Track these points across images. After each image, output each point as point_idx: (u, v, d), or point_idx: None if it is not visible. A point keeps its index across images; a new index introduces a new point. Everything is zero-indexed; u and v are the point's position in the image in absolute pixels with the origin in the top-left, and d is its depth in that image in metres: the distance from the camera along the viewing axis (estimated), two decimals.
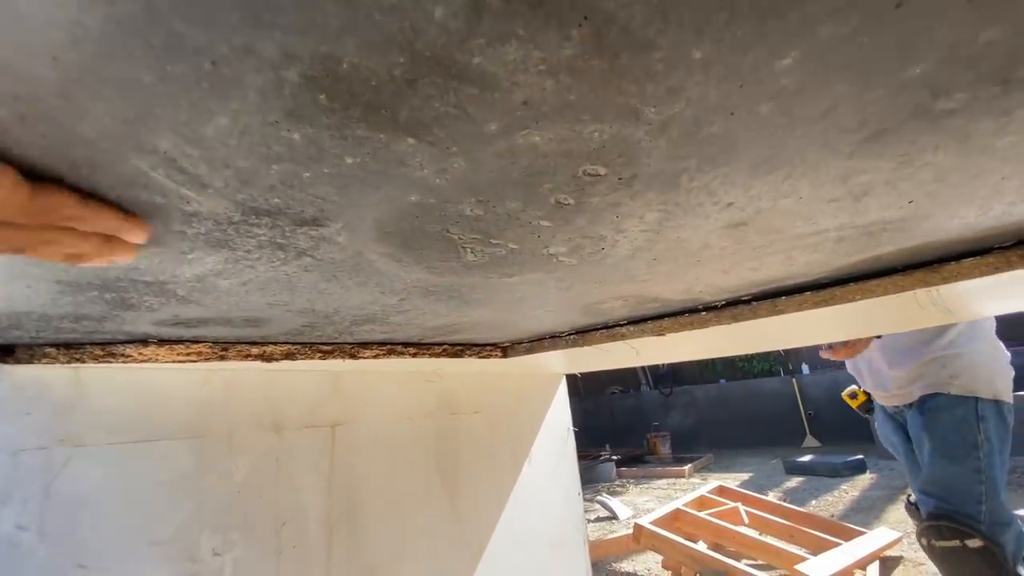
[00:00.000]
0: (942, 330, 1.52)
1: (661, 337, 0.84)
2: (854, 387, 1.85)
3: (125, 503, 0.69)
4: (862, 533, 2.76)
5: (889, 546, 2.73)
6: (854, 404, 1.85)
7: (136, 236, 0.30)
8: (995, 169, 0.36)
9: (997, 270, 0.59)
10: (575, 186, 0.32)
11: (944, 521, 1.37)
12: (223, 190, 0.29)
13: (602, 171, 0.30)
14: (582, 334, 0.92)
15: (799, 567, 2.25)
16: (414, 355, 0.86)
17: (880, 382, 1.64)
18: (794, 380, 7.59)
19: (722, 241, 0.46)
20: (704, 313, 0.77)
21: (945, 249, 0.58)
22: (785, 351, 8.38)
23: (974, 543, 1.34)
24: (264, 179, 0.28)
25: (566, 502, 1.50)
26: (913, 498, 1.62)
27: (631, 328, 0.85)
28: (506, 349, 1.02)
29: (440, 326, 0.75)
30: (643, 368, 9.54)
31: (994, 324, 1.57)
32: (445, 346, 0.91)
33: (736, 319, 0.75)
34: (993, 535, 1.35)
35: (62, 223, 0.26)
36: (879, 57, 0.22)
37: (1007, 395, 1.48)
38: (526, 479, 1.36)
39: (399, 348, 0.84)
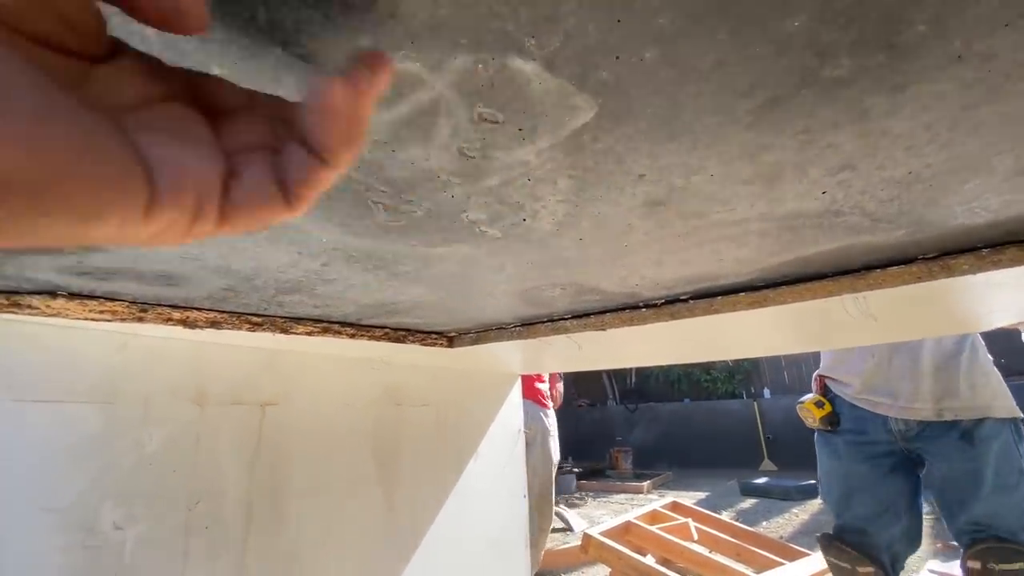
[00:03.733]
0: (960, 342, 1.42)
1: (603, 332, 0.84)
2: (818, 396, 1.65)
3: (22, 465, 0.64)
4: (806, 555, 2.81)
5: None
6: (819, 414, 1.61)
7: None
8: (899, 160, 0.37)
9: (920, 279, 0.60)
10: (476, 133, 0.31)
11: (1008, 544, 1.27)
12: None
13: (499, 117, 0.30)
14: (528, 326, 0.92)
15: None
16: (352, 336, 0.84)
17: (891, 389, 1.47)
18: (755, 403, 7.75)
19: (645, 223, 0.46)
20: (644, 310, 0.78)
21: (871, 256, 0.59)
22: (748, 374, 8.54)
23: None
24: None
25: (511, 504, 1.49)
26: (832, 532, 1.54)
27: (574, 322, 0.85)
28: (452, 338, 1.01)
29: (377, 303, 0.73)
30: (610, 382, 9.61)
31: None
32: (387, 329, 0.89)
33: (674, 316, 0.75)
34: None
35: None
36: (754, 1, 0.22)
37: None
38: (471, 477, 1.34)
39: (335, 327, 0.82)
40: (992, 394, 1.40)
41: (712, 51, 0.25)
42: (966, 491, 1.38)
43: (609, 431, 8.78)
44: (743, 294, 0.70)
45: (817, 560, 2.77)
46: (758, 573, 2.59)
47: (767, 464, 7.17)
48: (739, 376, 8.57)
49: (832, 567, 1.57)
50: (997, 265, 0.56)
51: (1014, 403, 1.40)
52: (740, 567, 2.64)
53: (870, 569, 1.44)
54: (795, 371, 8.04)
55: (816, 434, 1.71)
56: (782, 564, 2.66)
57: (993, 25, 0.24)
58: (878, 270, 0.62)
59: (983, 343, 1.48)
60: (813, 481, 5.33)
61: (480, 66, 0.25)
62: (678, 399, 8.98)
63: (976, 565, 1.30)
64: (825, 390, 1.69)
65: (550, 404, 2.84)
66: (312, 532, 0.91)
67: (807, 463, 6.66)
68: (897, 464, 1.52)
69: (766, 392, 8.20)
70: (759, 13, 0.23)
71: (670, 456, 8.03)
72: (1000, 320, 0.91)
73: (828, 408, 1.63)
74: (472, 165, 0.35)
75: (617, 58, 0.25)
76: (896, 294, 0.66)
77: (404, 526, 1.10)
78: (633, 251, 0.54)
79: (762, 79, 0.27)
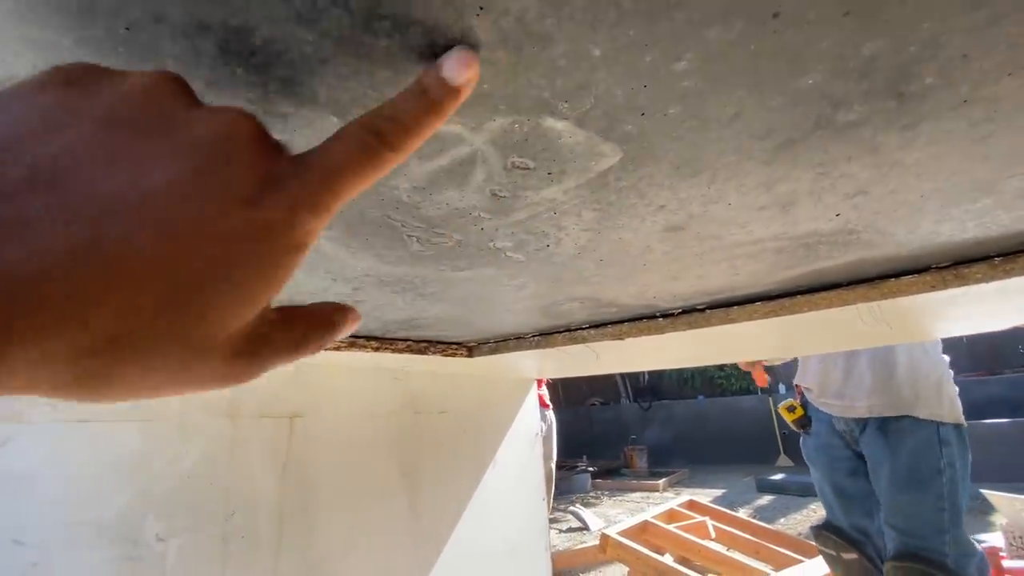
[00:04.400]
0: (892, 348, 1.52)
1: (621, 341, 0.85)
2: (792, 401, 1.85)
3: (68, 482, 0.68)
4: None
5: None
6: (791, 418, 1.83)
7: None
8: (911, 186, 0.38)
9: (933, 288, 0.61)
10: (507, 178, 0.33)
11: (910, 562, 1.36)
12: None
13: (531, 164, 0.32)
14: (545, 336, 0.94)
15: None
16: (376, 349, 0.86)
17: (837, 390, 1.62)
18: (770, 399, 7.69)
19: (663, 245, 0.48)
20: (661, 320, 0.79)
21: (884, 266, 0.61)
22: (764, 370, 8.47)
23: None
24: None
25: (530, 508, 1.51)
26: (833, 522, 1.63)
27: (592, 332, 0.86)
28: (471, 348, 1.03)
29: (401, 320, 0.76)
30: (623, 381, 9.59)
31: (940, 344, 1.58)
32: (409, 342, 0.92)
33: (691, 326, 0.77)
34: (959, 567, 1.35)
35: None
36: (771, 64, 0.24)
37: (963, 419, 1.49)
38: (490, 483, 1.36)
39: (360, 341, 0.84)
40: (917, 395, 1.46)
41: (731, 105, 0.27)
42: (879, 484, 1.50)
43: (623, 430, 8.77)
44: (759, 303, 0.71)
45: None
46: (777, 571, 2.58)
47: (783, 460, 7.12)
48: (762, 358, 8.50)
49: (822, 554, 1.69)
50: (1009, 274, 0.57)
51: (950, 410, 1.44)
52: (759, 565, 2.65)
53: (853, 555, 1.54)
54: None
55: (800, 437, 1.84)
56: (801, 561, 2.66)
57: (998, 75, 0.26)
58: (892, 279, 0.63)
59: (937, 349, 1.52)
60: None
61: (516, 125, 0.27)
62: (692, 396, 8.95)
63: None
64: (802, 396, 1.85)
65: (549, 404, 2.89)
66: (340, 539, 0.94)
67: None
68: (855, 467, 1.62)
69: (780, 387, 8.14)
70: (775, 74, 0.25)
71: (685, 454, 8.00)
72: (1014, 322, 0.92)
73: (799, 412, 1.81)
74: (503, 203, 0.37)
75: (642, 114, 0.27)
76: (909, 301, 0.67)
77: (427, 532, 1.13)
78: (651, 269, 0.56)
79: (778, 125, 0.29)
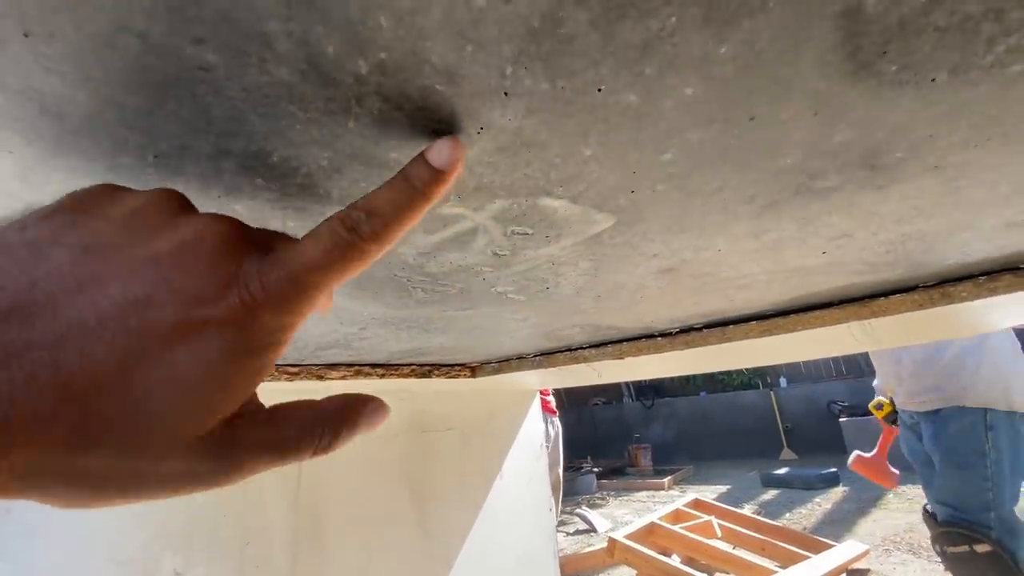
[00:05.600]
0: (945, 342, 1.59)
1: (621, 360, 0.87)
2: (881, 399, 1.96)
3: (87, 521, 0.69)
4: (832, 546, 2.82)
5: (857, 559, 2.79)
6: (879, 415, 1.95)
7: None
8: (891, 229, 0.40)
9: (921, 307, 0.63)
10: (508, 242, 0.35)
11: (955, 527, 1.46)
12: None
13: (530, 231, 0.33)
14: (547, 356, 0.95)
15: None
16: (382, 376, 0.88)
17: (896, 386, 1.74)
18: (772, 393, 7.71)
19: (658, 283, 0.50)
20: (659, 339, 0.81)
21: (874, 288, 0.62)
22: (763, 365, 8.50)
23: (982, 548, 1.42)
24: None
25: (537, 517, 1.52)
26: (929, 507, 1.70)
27: (592, 351, 0.88)
28: (475, 369, 1.05)
29: (406, 350, 0.77)
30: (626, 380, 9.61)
31: (1013, 335, 1.63)
32: (413, 366, 0.94)
33: (689, 345, 0.79)
34: (1003, 542, 1.41)
35: None
36: (751, 152, 0.26)
37: (1019, 406, 1.51)
38: (497, 495, 1.38)
39: (367, 370, 0.86)
40: (964, 387, 1.54)
41: (715, 181, 0.29)
42: (929, 466, 1.63)
43: (627, 429, 8.79)
44: (754, 323, 0.73)
45: (842, 551, 2.78)
46: (783, 567, 2.60)
47: (787, 453, 7.15)
48: (755, 367, 8.53)
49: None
50: (994, 292, 0.59)
51: (1003, 397, 1.49)
52: (764, 562, 2.66)
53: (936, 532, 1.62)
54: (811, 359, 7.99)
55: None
56: (808, 557, 2.68)
57: (964, 147, 0.28)
58: (882, 298, 0.65)
59: (1004, 341, 1.57)
60: (835, 469, 5.31)
61: (515, 205, 0.29)
62: (694, 393, 8.97)
63: (937, 548, 1.52)
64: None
65: (556, 411, 2.91)
66: (353, 564, 0.96)
67: (828, 451, 6.63)
68: (928, 456, 1.71)
69: (782, 381, 8.17)
70: (755, 157, 0.26)
71: (689, 450, 8.03)
72: (999, 327, 0.94)
73: (888, 408, 1.91)
74: (503, 260, 0.39)
75: (632, 191, 0.29)
76: (899, 317, 0.69)
77: (438, 549, 1.15)
78: (647, 301, 0.58)
79: (760, 192, 0.31)
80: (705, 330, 0.77)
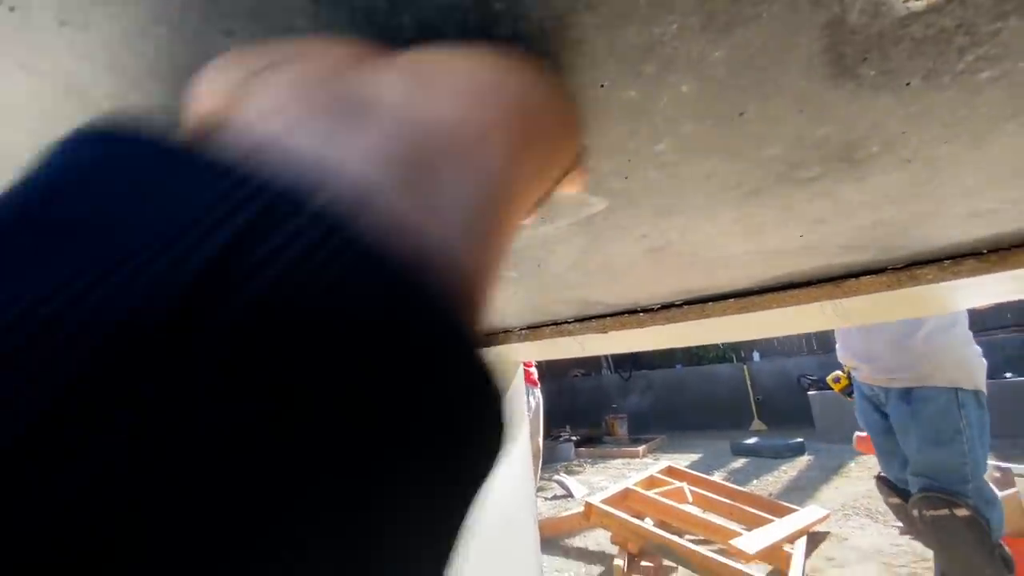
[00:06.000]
0: (920, 322, 1.66)
1: (604, 334, 0.90)
2: (838, 372, 2.07)
3: None
4: (794, 511, 2.99)
5: (818, 522, 2.96)
6: (837, 388, 2.09)
7: None
8: (864, 216, 0.42)
9: (890, 288, 0.67)
10: None
11: (935, 492, 1.56)
12: None
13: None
14: (533, 329, 0.98)
15: (734, 542, 2.43)
16: None
17: (860, 359, 1.82)
18: (745, 367, 7.95)
19: (645, 261, 0.52)
20: (641, 314, 0.84)
21: (847, 269, 0.66)
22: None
23: (962, 512, 1.52)
24: None
25: (519, 485, 1.58)
26: (884, 475, 1.82)
27: (577, 325, 0.91)
28: None
29: None
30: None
31: (967, 317, 1.71)
32: None
33: (669, 321, 0.82)
34: (979, 510, 1.52)
35: None
36: (739, 143, 0.27)
37: (983, 385, 1.63)
38: None
39: None
40: (935, 367, 1.63)
41: (705, 168, 0.30)
42: (908, 446, 1.71)
43: (604, 399, 9.01)
44: (732, 300, 0.76)
45: (804, 515, 2.95)
46: (749, 530, 2.75)
47: (757, 424, 7.43)
48: (730, 341, 8.77)
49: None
50: (957, 275, 0.63)
51: (968, 377, 1.58)
52: (732, 525, 2.81)
53: (896, 501, 1.77)
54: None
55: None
56: (772, 520, 2.83)
57: (935, 144, 0.30)
58: (853, 279, 0.69)
59: (962, 322, 1.64)
60: (801, 439, 5.56)
61: None
62: (670, 366, 9.20)
63: (916, 513, 1.61)
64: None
65: (538, 383, 2.98)
66: None
67: (796, 422, 6.91)
68: (886, 426, 1.83)
69: (756, 355, 8.42)
70: (742, 147, 0.28)
71: (664, 420, 8.28)
72: (961, 307, 0.99)
73: (845, 382, 2.04)
74: None
75: (626, 177, 0.30)
76: (869, 296, 0.73)
77: None
78: (634, 278, 0.60)
79: (746, 179, 0.33)
80: (685, 306, 0.80)
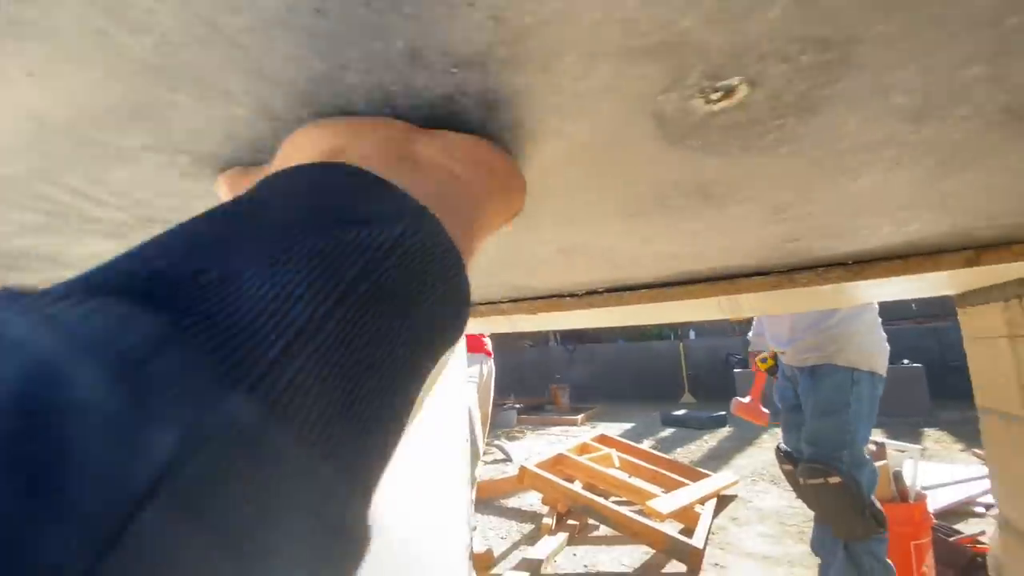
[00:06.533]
0: (831, 311, 1.88)
1: (534, 315, 0.98)
2: (765, 353, 2.27)
3: None
4: (708, 476, 3.28)
5: (728, 487, 3.27)
6: (763, 367, 2.26)
7: None
8: (731, 232, 0.51)
9: (774, 288, 0.78)
10: None
11: (814, 462, 1.80)
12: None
13: None
14: (471, 307, 1.04)
15: (650, 503, 2.66)
16: None
17: (783, 344, 2.03)
18: (681, 344, 8.40)
19: (559, 258, 0.59)
20: (567, 299, 0.92)
21: (739, 270, 0.76)
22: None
23: (834, 480, 1.77)
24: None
25: (454, 447, 1.67)
26: (782, 446, 2.04)
27: (509, 305, 0.98)
28: None
29: None
30: None
31: (876, 309, 1.94)
32: None
33: (592, 305, 0.90)
34: (851, 471, 1.76)
35: None
36: (614, 182, 0.34)
37: (882, 369, 1.87)
38: (420, 427, 1.50)
39: None
40: (839, 348, 1.85)
41: (591, 196, 0.37)
42: (795, 411, 1.98)
43: (550, 370, 9.31)
44: (644, 290, 0.86)
45: (716, 480, 3.24)
46: (667, 492, 3.02)
47: (687, 397, 7.95)
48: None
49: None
50: (827, 281, 0.74)
51: (866, 360, 1.80)
52: (653, 488, 3.06)
53: (788, 467, 2.02)
54: None
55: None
56: (687, 484, 3.11)
57: (769, 190, 0.38)
58: (743, 278, 0.79)
59: (871, 312, 1.86)
60: (724, 412, 6.00)
61: None
62: (613, 340, 9.60)
63: (800, 481, 1.86)
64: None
65: (491, 352, 3.07)
66: None
67: (722, 396, 7.41)
68: (797, 404, 2.06)
69: (691, 334, 8.91)
70: (618, 185, 0.35)
71: (605, 392, 8.69)
72: (840, 305, 1.14)
73: (771, 362, 2.24)
74: None
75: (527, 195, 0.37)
76: (759, 294, 0.84)
77: None
78: (554, 270, 0.67)
79: (628, 205, 0.40)
80: (606, 293, 0.89)
